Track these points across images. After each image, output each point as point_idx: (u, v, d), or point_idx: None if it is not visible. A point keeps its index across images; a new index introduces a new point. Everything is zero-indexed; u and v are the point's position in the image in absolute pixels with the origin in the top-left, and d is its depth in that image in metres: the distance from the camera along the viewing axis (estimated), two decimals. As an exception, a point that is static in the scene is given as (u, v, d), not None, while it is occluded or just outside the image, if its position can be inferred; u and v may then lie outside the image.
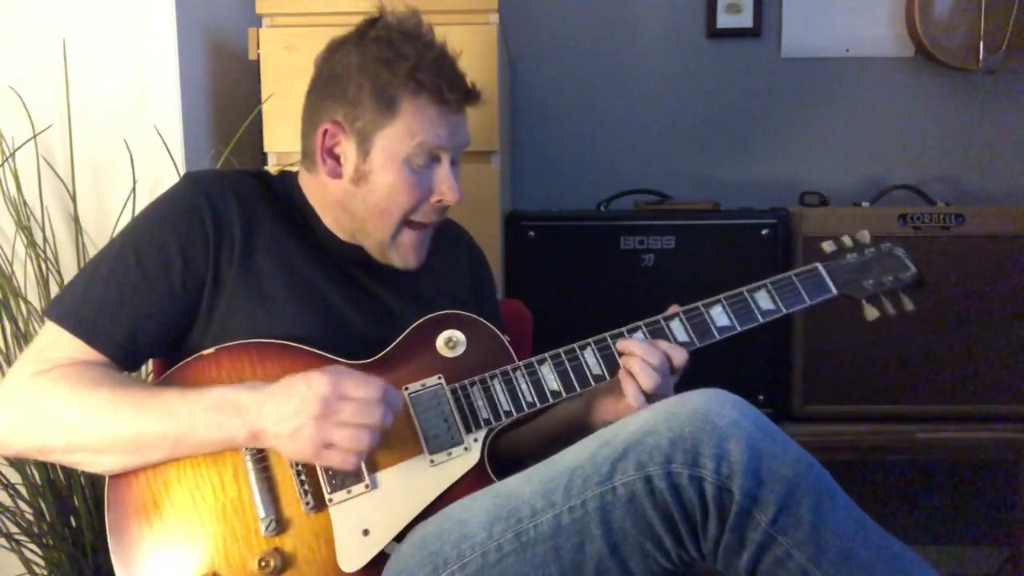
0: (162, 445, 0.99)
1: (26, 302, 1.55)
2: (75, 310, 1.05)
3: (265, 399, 0.98)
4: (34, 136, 1.57)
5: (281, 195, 1.20)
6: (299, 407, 0.95)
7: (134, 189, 1.57)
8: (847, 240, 1.24)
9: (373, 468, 1.03)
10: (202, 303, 1.09)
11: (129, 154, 1.58)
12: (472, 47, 1.59)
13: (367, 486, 1.02)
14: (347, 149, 1.13)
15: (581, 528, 0.89)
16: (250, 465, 1.01)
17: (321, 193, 1.18)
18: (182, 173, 1.59)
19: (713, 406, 0.90)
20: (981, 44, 2.05)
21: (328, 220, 1.19)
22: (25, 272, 1.58)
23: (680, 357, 1.11)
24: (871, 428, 1.85)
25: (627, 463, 0.89)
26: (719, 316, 1.15)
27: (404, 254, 1.17)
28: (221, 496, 1.01)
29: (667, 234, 1.85)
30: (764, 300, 1.16)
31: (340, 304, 1.14)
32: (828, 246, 1.23)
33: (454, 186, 1.14)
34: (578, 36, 2.22)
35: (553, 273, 1.85)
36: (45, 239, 1.58)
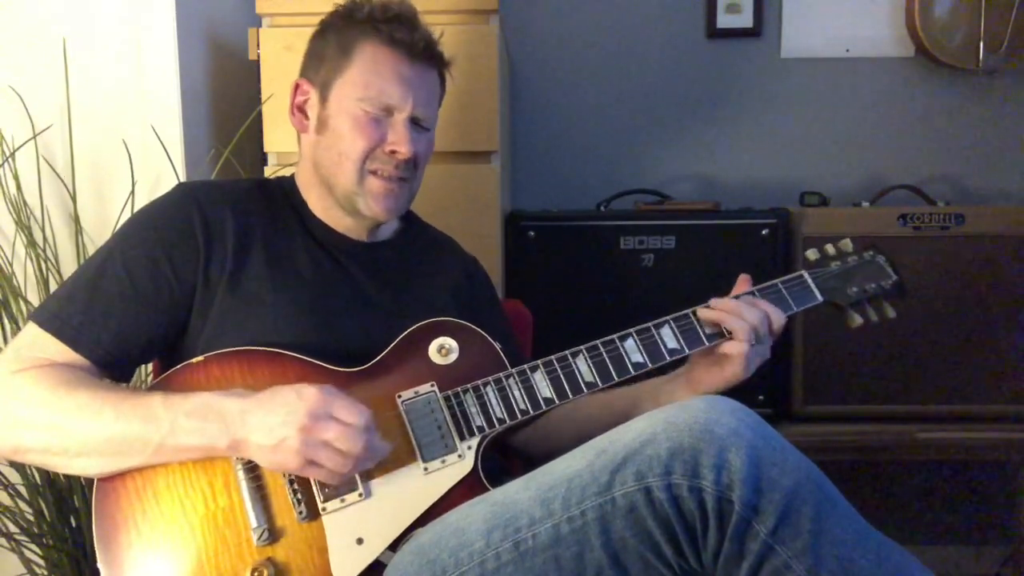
0: (143, 450, 0.98)
1: (26, 302, 1.55)
2: (60, 315, 1.04)
3: (253, 407, 0.97)
4: (34, 136, 1.57)
5: (278, 197, 1.21)
6: (287, 418, 0.94)
7: (133, 190, 1.57)
8: (830, 248, 1.25)
9: (367, 476, 1.02)
10: (192, 311, 1.09)
11: (129, 154, 1.58)
12: (472, 47, 1.59)
13: (360, 495, 1.01)
14: (313, 101, 1.19)
15: (581, 538, 0.89)
16: (241, 474, 1.00)
17: (303, 165, 1.22)
18: (181, 173, 1.59)
19: (712, 415, 0.89)
20: (981, 44, 2.05)
21: (312, 201, 1.21)
22: (25, 272, 1.58)
23: (778, 320, 1.13)
24: (871, 428, 1.85)
25: (626, 473, 0.88)
26: (708, 323, 1.15)
27: (370, 202, 1.17)
28: (212, 505, 1.00)
29: (667, 234, 1.85)
30: None
31: (336, 308, 1.14)
32: (812, 254, 1.24)
33: (406, 138, 1.15)
34: (578, 36, 2.22)
35: (553, 273, 1.85)
36: (45, 239, 1.58)
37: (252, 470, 1.01)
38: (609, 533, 0.88)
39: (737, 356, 1.10)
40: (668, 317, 1.15)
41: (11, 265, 1.57)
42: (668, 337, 1.14)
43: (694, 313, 1.15)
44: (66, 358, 1.03)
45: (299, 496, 1.00)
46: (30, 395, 0.99)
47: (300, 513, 1.00)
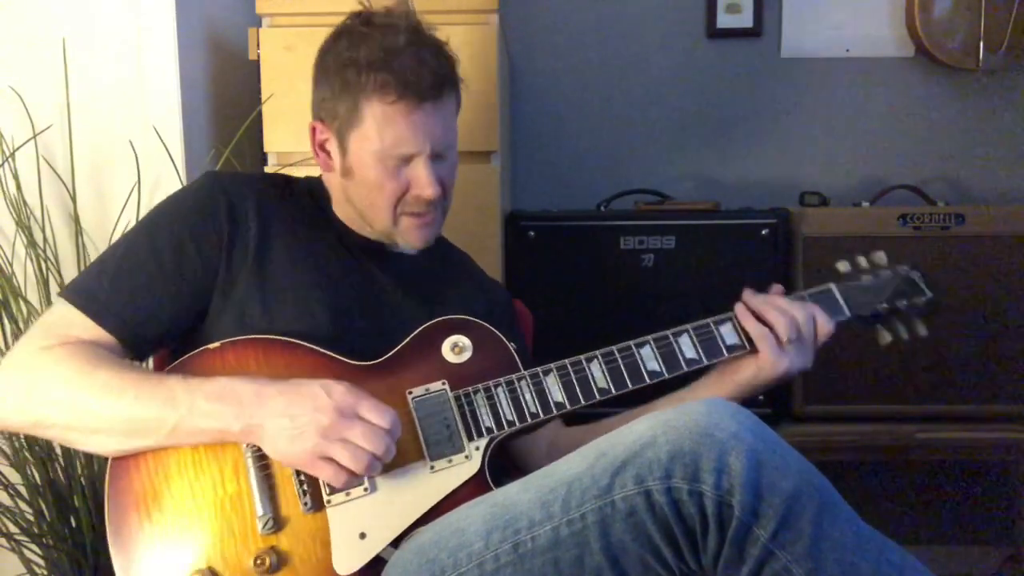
0: (159, 430, 0.99)
1: (26, 302, 1.55)
2: (86, 289, 1.08)
3: (274, 395, 0.98)
4: (34, 136, 1.57)
5: (303, 193, 1.24)
6: (313, 412, 0.96)
7: (134, 189, 1.57)
8: (862, 261, 1.21)
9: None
10: (214, 295, 1.11)
11: (129, 154, 1.58)
12: (472, 47, 1.59)
13: (366, 489, 1.02)
14: (333, 145, 1.18)
15: (580, 541, 0.89)
16: (250, 462, 1.01)
17: (332, 184, 1.23)
18: (182, 173, 1.59)
19: (713, 418, 0.89)
20: (981, 44, 2.05)
21: (339, 210, 1.23)
22: (25, 272, 1.58)
23: (825, 326, 1.14)
24: (871, 428, 1.85)
25: (626, 476, 0.88)
26: (728, 335, 1.14)
27: (407, 237, 1.19)
28: (220, 491, 1.01)
29: (667, 234, 1.85)
30: None
31: (353, 302, 1.15)
32: (843, 266, 1.20)
33: (430, 181, 1.14)
34: (578, 36, 2.22)
35: (553, 273, 1.85)
36: (45, 239, 1.58)
37: (261, 458, 1.02)
38: (609, 536, 0.88)
39: (764, 354, 1.11)
40: (688, 325, 1.14)
41: (11, 265, 1.57)
42: (686, 346, 1.13)
43: (715, 322, 1.14)
44: (92, 334, 1.05)
45: (305, 487, 1.01)
46: (57, 372, 1.01)
47: (305, 504, 1.01)
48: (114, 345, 1.07)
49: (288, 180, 1.26)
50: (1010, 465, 2.07)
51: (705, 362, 1.13)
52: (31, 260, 1.57)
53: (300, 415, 0.96)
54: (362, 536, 1.00)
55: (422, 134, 1.13)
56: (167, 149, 1.57)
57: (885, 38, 2.19)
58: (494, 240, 1.67)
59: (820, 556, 0.84)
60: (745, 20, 2.18)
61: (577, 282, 1.85)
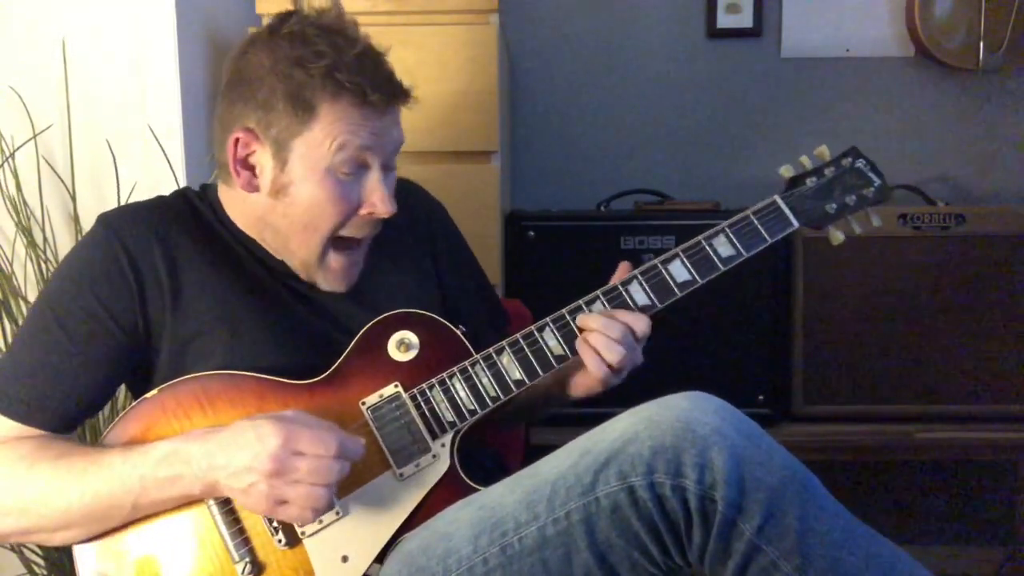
0: (119, 513, 0.96)
1: (26, 302, 1.55)
2: (7, 392, 1.00)
3: (215, 450, 0.93)
4: (34, 136, 1.57)
5: (206, 216, 1.11)
6: (251, 463, 0.90)
7: (134, 189, 1.57)
8: (806, 161, 1.16)
9: (341, 493, 0.98)
10: (140, 352, 1.04)
11: (130, 154, 1.58)
12: (472, 47, 1.59)
13: (337, 513, 0.99)
14: (262, 159, 1.04)
15: (567, 540, 0.89)
16: (215, 511, 0.98)
17: (242, 207, 1.09)
18: (181, 173, 1.59)
19: (695, 413, 0.88)
20: (981, 44, 2.05)
21: (255, 235, 1.10)
22: (25, 272, 1.58)
23: (642, 325, 1.05)
24: (871, 428, 1.85)
25: (609, 473, 0.88)
26: (679, 271, 1.09)
27: (331, 279, 1.08)
28: (194, 545, 0.98)
29: (667, 234, 1.85)
30: (724, 247, 1.10)
31: (286, 324, 1.07)
32: (787, 171, 1.15)
33: (385, 196, 1.04)
34: (578, 37, 2.22)
35: (553, 273, 1.85)
36: (45, 239, 1.58)
37: (225, 504, 0.99)
38: (595, 534, 0.88)
39: (595, 371, 1.05)
40: (635, 271, 1.10)
41: (11, 265, 1.57)
42: (637, 294, 1.08)
43: (662, 261, 1.10)
44: (21, 433, 1.00)
45: (275, 525, 0.99)
46: None
47: (279, 541, 0.98)
48: (46, 435, 1.01)
49: (186, 197, 1.13)
50: (1009, 465, 2.07)
51: (659, 306, 1.08)
52: (31, 260, 1.57)
53: (241, 469, 0.91)
54: (344, 559, 0.98)
55: (380, 140, 1.03)
56: (167, 149, 1.57)
57: (885, 38, 2.19)
58: (494, 240, 1.67)
59: (808, 551, 0.84)
60: (745, 20, 2.18)
61: (577, 282, 1.83)
